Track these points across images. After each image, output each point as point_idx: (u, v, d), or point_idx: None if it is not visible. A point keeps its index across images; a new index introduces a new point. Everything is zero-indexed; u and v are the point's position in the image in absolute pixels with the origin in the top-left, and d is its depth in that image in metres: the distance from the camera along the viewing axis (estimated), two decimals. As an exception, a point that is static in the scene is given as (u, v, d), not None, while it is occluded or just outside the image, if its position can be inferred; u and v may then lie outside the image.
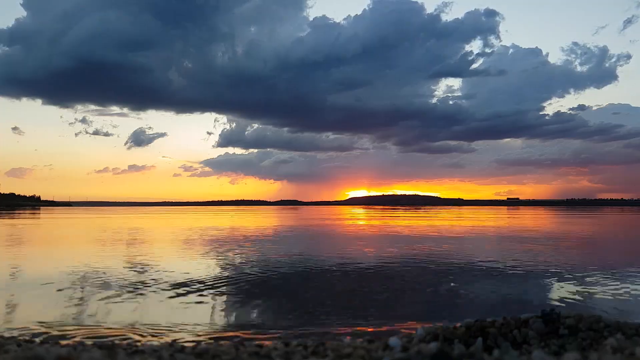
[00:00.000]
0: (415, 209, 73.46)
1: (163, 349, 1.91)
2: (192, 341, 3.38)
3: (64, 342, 2.27)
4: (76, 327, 3.88)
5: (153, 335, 3.61)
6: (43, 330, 3.76)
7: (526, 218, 31.84)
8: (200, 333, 3.73)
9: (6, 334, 2.60)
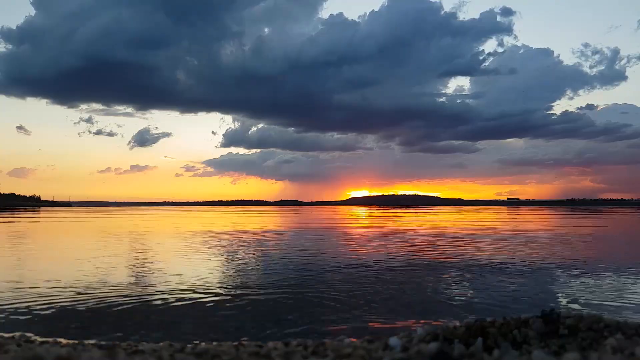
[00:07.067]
0: (414, 209, 73.43)
1: (163, 349, 1.90)
2: (192, 341, 3.38)
3: (64, 342, 2.27)
4: (76, 327, 3.88)
5: (153, 335, 3.61)
6: (43, 330, 3.76)
7: (517, 219, 31.84)
8: (200, 333, 3.73)
9: (6, 334, 2.60)
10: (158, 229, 19.90)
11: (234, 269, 7.39)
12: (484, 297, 5.23)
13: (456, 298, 5.17)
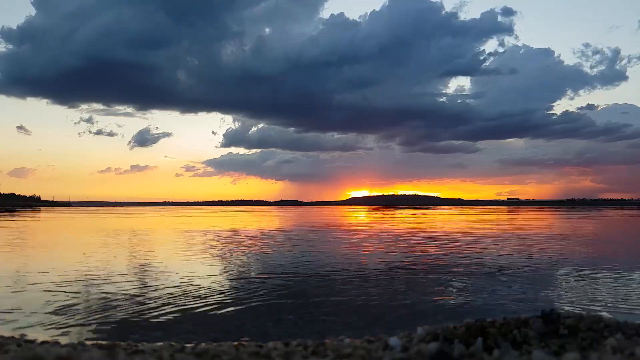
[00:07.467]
0: (413, 209, 73.38)
1: (163, 348, 1.90)
2: (192, 341, 3.38)
3: (64, 342, 2.27)
4: (76, 327, 3.88)
5: (153, 335, 3.61)
6: (43, 330, 3.76)
7: (511, 221, 31.82)
8: (200, 333, 3.73)
9: (6, 334, 2.60)
10: (158, 229, 19.91)
11: (233, 269, 7.39)
12: (484, 296, 5.22)
13: (456, 298, 5.17)
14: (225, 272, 7.15)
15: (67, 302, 4.84)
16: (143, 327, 3.89)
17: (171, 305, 4.72)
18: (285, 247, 11.19)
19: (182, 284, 5.91)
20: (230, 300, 5.00)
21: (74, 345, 2.13)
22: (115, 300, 4.97)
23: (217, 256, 9.17)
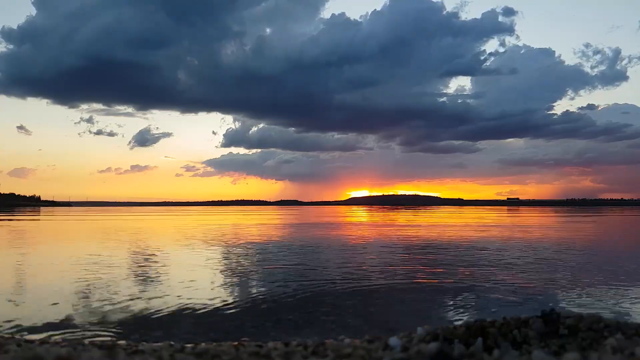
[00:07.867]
0: (414, 209, 73.36)
1: (163, 348, 1.90)
2: (192, 341, 3.38)
3: (64, 342, 2.27)
4: (77, 327, 3.88)
5: (153, 335, 3.61)
6: (43, 330, 3.76)
7: (504, 221, 31.79)
8: (200, 333, 3.73)
9: (6, 334, 2.60)
10: (158, 229, 19.91)
11: (233, 269, 7.39)
12: (483, 296, 5.22)
13: (456, 298, 5.17)
14: (224, 272, 7.15)
15: (67, 302, 4.84)
16: (143, 327, 3.89)
17: (171, 305, 4.72)
18: (285, 246, 11.19)
19: (181, 284, 5.91)
20: (230, 300, 5.00)
21: (74, 345, 2.12)
22: (115, 300, 4.97)
23: (216, 256, 9.17)
